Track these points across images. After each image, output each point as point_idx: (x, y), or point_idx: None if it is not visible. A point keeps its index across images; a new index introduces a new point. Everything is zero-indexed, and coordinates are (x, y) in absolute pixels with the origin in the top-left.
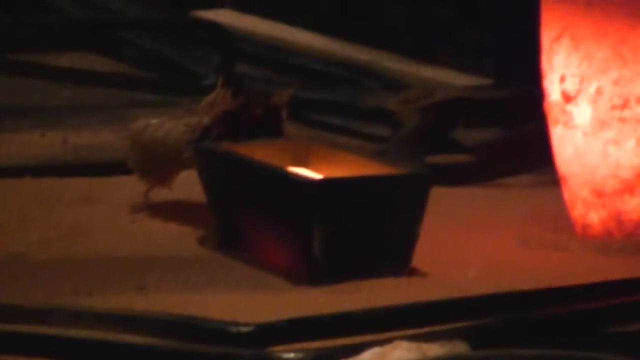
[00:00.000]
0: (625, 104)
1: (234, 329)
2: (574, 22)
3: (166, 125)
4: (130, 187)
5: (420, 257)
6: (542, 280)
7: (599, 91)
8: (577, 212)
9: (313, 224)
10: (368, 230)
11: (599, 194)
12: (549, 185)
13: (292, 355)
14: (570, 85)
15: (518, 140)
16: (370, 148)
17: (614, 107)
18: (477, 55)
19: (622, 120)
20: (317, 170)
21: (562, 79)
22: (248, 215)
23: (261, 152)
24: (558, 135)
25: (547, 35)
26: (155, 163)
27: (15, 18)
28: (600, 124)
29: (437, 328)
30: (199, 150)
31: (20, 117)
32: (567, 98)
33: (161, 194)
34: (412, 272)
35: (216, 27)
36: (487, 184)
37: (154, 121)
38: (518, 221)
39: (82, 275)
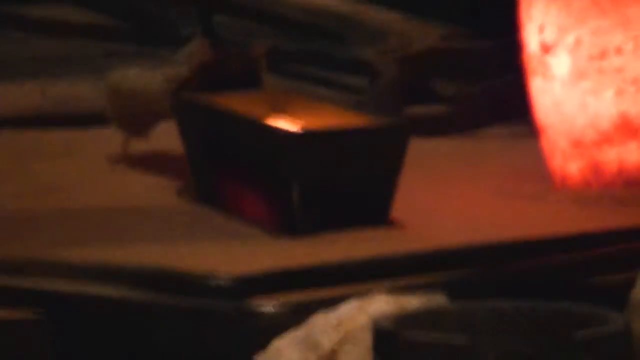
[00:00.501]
0: (603, 55)
1: (212, 282)
2: None
3: (144, 75)
4: (109, 138)
5: (398, 209)
6: (520, 232)
7: (577, 42)
8: (556, 162)
9: (291, 175)
10: (346, 182)
11: (577, 144)
12: (527, 136)
13: (270, 307)
14: (549, 36)
15: (496, 91)
16: (349, 99)
17: (592, 58)
18: (456, 6)
19: (600, 70)
20: (295, 121)
21: (541, 30)
22: (226, 166)
23: (240, 103)
24: (536, 86)
25: None
26: (133, 113)
27: None
28: (579, 74)
29: (415, 280)
30: (177, 101)
31: None
32: (546, 49)
33: (139, 146)
34: (390, 224)
35: None
36: (465, 134)
37: (132, 71)
38: (496, 172)
39: (59, 227)
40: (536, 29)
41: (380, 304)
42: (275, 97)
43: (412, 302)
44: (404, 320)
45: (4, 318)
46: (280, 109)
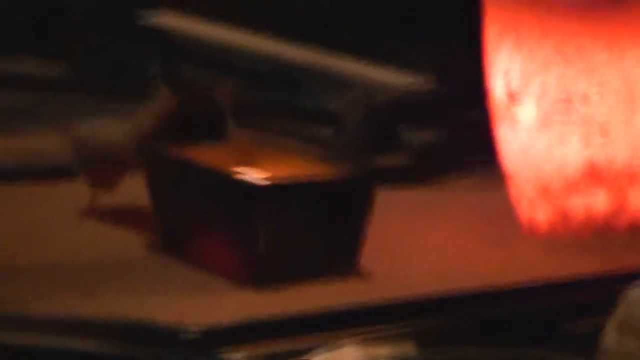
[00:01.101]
0: (569, 102)
1: (181, 334)
2: (517, 19)
3: (110, 127)
4: (75, 191)
5: (366, 258)
6: (489, 278)
7: (542, 89)
8: (523, 209)
9: (258, 226)
10: (313, 232)
11: (544, 191)
12: (494, 183)
13: (240, 358)
14: (514, 84)
15: (461, 139)
16: (314, 149)
17: (558, 105)
18: (420, 55)
19: (566, 118)
20: (261, 172)
21: (506, 78)
22: (193, 217)
23: (205, 154)
24: (503, 133)
25: (490, 33)
26: (100, 166)
27: None
28: (545, 121)
29: (384, 329)
30: (143, 152)
31: None
32: (511, 96)
33: (106, 198)
34: (358, 274)
35: (157, 29)
36: (431, 183)
37: (97, 124)
38: (463, 220)
39: (28, 281)
40: (501, 76)
41: (350, 355)
42: (240, 148)
43: (382, 351)
44: None
45: None
46: (245, 160)
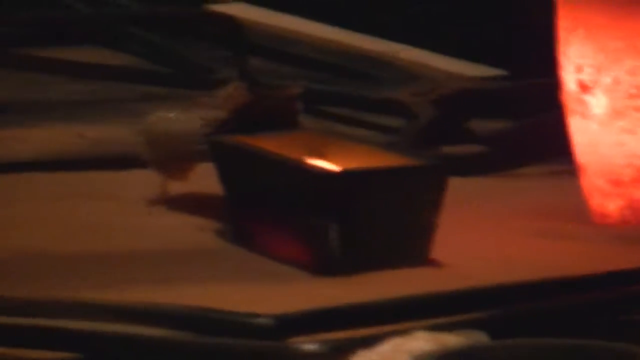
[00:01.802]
0: None
1: (253, 321)
2: (588, 13)
3: (181, 118)
4: (146, 180)
5: (437, 248)
6: (559, 270)
7: (614, 81)
8: (594, 201)
9: (330, 216)
10: (385, 222)
11: (615, 183)
12: (565, 175)
13: (310, 346)
14: (586, 76)
15: (531, 131)
16: (383, 140)
17: (629, 97)
18: (491, 46)
19: (637, 109)
20: (332, 162)
21: (578, 70)
22: (264, 207)
23: (276, 144)
24: (575, 125)
25: (562, 27)
26: (171, 157)
27: (24, 13)
28: (616, 113)
29: (454, 319)
30: (214, 143)
31: (32, 112)
32: (584, 88)
33: (177, 188)
34: (429, 263)
35: (228, 21)
36: (501, 174)
37: (169, 115)
38: (534, 211)
39: (100, 269)
40: (573, 68)
41: (419, 342)
42: (311, 138)
43: (452, 340)
44: (444, 358)
45: None
46: (316, 150)
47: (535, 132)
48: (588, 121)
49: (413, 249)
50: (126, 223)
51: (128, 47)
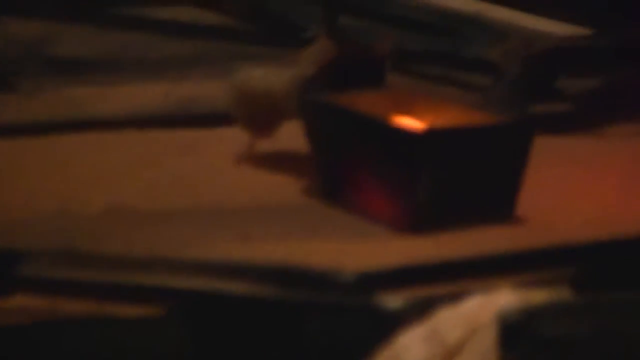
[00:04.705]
0: None
1: (337, 277)
2: None
3: (270, 76)
4: (234, 137)
5: (523, 205)
6: None
7: None
8: None
9: (418, 173)
10: (472, 179)
11: None
12: None
13: (394, 302)
14: None
15: (620, 88)
16: (472, 98)
17: None
18: (579, 4)
19: None
20: (420, 120)
21: None
22: (351, 165)
23: (364, 102)
24: None
25: None
26: (259, 114)
27: None
28: None
29: (541, 275)
30: (302, 101)
31: (123, 70)
32: None
33: (264, 145)
34: (515, 220)
35: None
36: (589, 132)
37: (257, 72)
38: (622, 169)
39: (185, 225)
40: None
41: (506, 298)
42: (400, 96)
43: (539, 296)
44: (531, 314)
45: (129, 315)
46: (405, 108)
47: (623, 90)
48: None
49: (499, 205)
50: (213, 180)
51: (218, 6)
